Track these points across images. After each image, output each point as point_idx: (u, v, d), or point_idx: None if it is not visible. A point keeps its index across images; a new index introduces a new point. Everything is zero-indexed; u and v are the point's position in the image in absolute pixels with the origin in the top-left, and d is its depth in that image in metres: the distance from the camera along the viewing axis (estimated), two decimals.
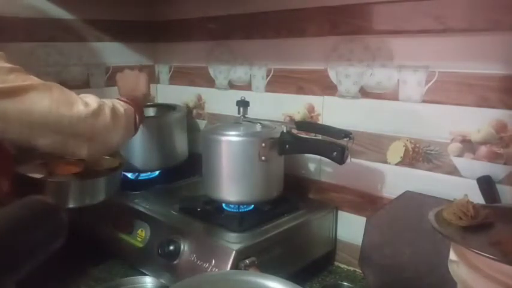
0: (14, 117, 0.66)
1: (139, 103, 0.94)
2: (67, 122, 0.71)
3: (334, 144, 0.85)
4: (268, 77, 1.17)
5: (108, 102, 0.80)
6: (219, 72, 1.30)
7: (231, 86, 1.28)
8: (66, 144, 0.74)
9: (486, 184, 0.79)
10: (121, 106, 0.84)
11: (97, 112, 0.75)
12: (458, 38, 0.83)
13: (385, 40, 0.92)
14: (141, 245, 0.97)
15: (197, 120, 1.41)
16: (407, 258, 0.85)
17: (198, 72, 1.37)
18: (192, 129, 1.35)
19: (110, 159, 1.00)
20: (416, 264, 0.83)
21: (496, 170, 0.81)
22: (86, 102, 0.75)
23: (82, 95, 0.78)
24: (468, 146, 0.84)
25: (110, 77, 1.39)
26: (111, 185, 0.95)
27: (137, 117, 0.89)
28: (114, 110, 0.80)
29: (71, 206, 0.88)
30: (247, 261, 0.81)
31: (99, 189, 0.93)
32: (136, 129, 0.91)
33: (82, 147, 0.76)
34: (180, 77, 1.45)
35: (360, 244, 0.94)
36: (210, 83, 1.34)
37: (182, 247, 0.88)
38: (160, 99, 1.53)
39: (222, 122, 1.23)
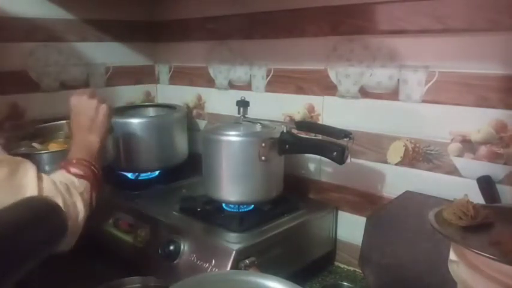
0: None
1: (96, 158, 0.79)
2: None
3: (334, 144, 0.85)
4: (268, 77, 1.17)
5: (63, 196, 0.68)
6: (219, 72, 1.30)
7: (231, 86, 1.28)
8: None
9: (486, 184, 0.79)
10: (80, 199, 0.71)
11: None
12: (458, 38, 0.83)
13: (385, 40, 0.92)
14: (141, 245, 0.97)
15: (197, 120, 1.41)
16: (407, 258, 0.85)
17: (198, 72, 1.37)
18: (192, 129, 1.35)
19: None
20: (416, 264, 0.82)
21: (496, 170, 0.81)
22: (40, 190, 0.65)
23: (46, 176, 0.68)
24: (468, 146, 0.84)
25: (110, 77, 1.39)
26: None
27: (93, 194, 0.76)
28: (70, 206, 0.69)
29: None
30: (247, 261, 0.81)
31: None
32: (91, 208, 0.78)
33: None
34: (180, 77, 1.45)
35: (360, 244, 0.94)
36: (210, 83, 1.34)
37: (182, 247, 0.88)
38: (160, 99, 1.53)
39: (222, 122, 1.23)
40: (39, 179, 0.67)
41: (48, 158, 0.90)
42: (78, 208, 0.71)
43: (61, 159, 0.79)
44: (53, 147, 0.98)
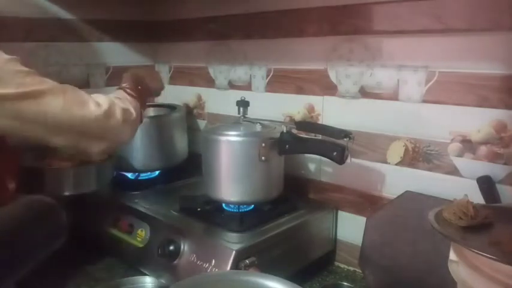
0: (29, 117, 0.69)
1: (145, 95, 0.96)
2: (79, 122, 0.74)
3: (334, 144, 0.85)
4: (268, 77, 1.17)
5: (118, 102, 0.82)
6: (219, 72, 1.30)
7: (231, 86, 1.28)
8: (78, 142, 0.77)
9: (486, 184, 0.79)
10: (131, 105, 0.85)
11: (108, 113, 0.77)
12: (459, 38, 0.83)
13: (385, 40, 0.92)
14: (141, 245, 0.97)
15: (197, 120, 1.41)
16: (407, 258, 0.85)
17: (198, 72, 1.37)
18: (192, 129, 1.35)
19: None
20: (416, 264, 0.83)
21: (496, 170, 0.81)
22: (98, 103, 0.77)
23: (94, 95, 0.80)
24: (468, 146, 0.84)
25: (110, 77, 1.39)
26: (103, 174, 0.98)
27: (142, 112, 0.91)
28: (125, 112, 0.81)
29: (66, 193, 0.92)
30: (247, 261, 0.81)
31: (92, 177, 0.97)
32: (141, 122, 0.92)
33: (93, 145, 0.79)
34: (180, 77, 1.45)
35: (360, 244, 0.94)
36: (210, 83, 1.34)
37: (182, 247, 0.88)
38: (161, 99, 1.53)
39: (222, 122, 1.24)
40: (95, 95, 0.80)
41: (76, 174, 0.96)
42: (132, 111, 0.83)
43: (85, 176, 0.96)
44: (57, 163, 0.98)
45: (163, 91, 1.06)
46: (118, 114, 0.79)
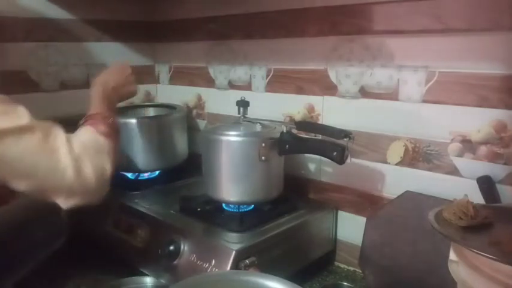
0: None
1: (116, 126, 0.83)
2: (42, 171, 0.66)
3: (334, 144, 0.85)
4: (268, 77, 1.17)
5: (90, 156, 0.71)
6: (219, 72, 1.30)
7: (231, 86, 1.28)
8: (43, 192, 0.69)
9: (486, 184, 0.79)
10: (106, 154, 0.75)
11: (78, 172, 0.68)
12: (459, 38, 0.83)
13: (385, 40, 0.92)
14: (141, 245, 0.97)
15: (197, 120, 1.41)
16: (407, 258, 0.85)
17: (198, 72, 1.37)
18: (192, 129, 1.35)
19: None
20: (416, 264, 0.82)
21: (496, 170, 0.81)
22: (71, 152, 0.68)
23: (74, 137, 0.71)
24: (468, 146, 0.84)
25: None
26: None
27: (116, 151, 0.80)
28: (97, 169, 0.72)
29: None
30: (247, 261, 0.81)
31: None
32: (118, 162, 0.81)
33: (60, 200, 0.70)
34: (180, 77, 1.45)
35: (360, 244, 0.94)
36: (210, 83, 1.34)
37: (182, 247, 0.88)
38: (160, 99, 1.53)
39: (222, 122, 1.24)
40: (69, 141, 0.70)
41: None
42: (106, 167, 0.74)
43: None
44: None
45: (136, 95, 0.99)
46: (90, 173, 0.70)
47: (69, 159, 0.68)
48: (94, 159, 0.72)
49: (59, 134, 0.70)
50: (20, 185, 0.67)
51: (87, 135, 0.76)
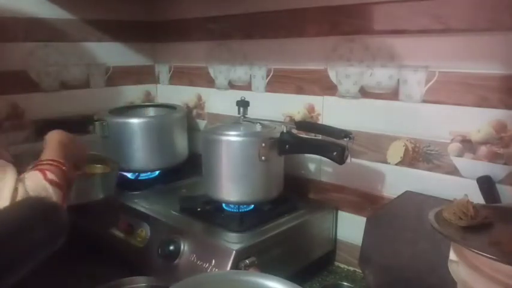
0: None
1: (68, 178, 0.76)
2: None
3: (334, 144, 0.85)
4: (268, 77, 1.17)
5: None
6: (219, 72, 1.30)
7: (231, 86, 1.28)
8: None
9: (486, 184, 0.79)
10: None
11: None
12: (458, 38, 0.83)
13: (385, 40, 0.92)
14: (141, 245, 0.97)
15: (197, 120, 1.41)
16: (407, 258, 0.85)
17: (198, 72, 1.37)
18: (192, 129, 1.35)
19: (103, 167, 1.02)
20: (416, 264, 0.82)
21: (496, 170, 0.81)
22: (12, 197, 0.65)
23: (20, 182, 0.67)
24: (468, 146, 0.84)
25: (110, 77, 1.39)
26: (106, 185, 0.96)
27: (65, 202, 0.75)
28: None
29: (68, 203, 0.89)
30: (247, 261, 0.81)
31: (96, 187, 0.95)
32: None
33: None
34: (180, 77, 1.45)
35: (360, 244, 0.94)
36: (210, 83, 1.34)
37: (182, 247, 0.88)
38: (160, 99, 1.53)
39: (222, 122, 1.24)
40: (15, 189, 0.67)
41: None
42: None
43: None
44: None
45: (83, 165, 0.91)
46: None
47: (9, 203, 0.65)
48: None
49: (9, 179, 0.66)
50: None
51: (35, 181, 0.70)
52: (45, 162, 0.73)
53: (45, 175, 0.70)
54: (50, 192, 0.70)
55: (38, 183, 0.70)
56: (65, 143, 0.79)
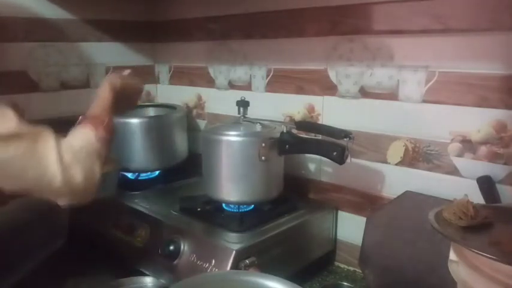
0: None
1: (112, 130, 0.80)
2: (30, 177, 0.65)
3: (334, 144, 0.85)
4: (268, 77, 1.17)
5: (83, 159, 0.71)
6: (219, 72, 1.30)
7: (231, 86, 1.28)
8: (31, 193, 0.69)
9: (486, 184, 0.79)
10: (96, 158, 0.73)
11: (67, 178, 0.67)
12: (459, 38, 0.83)
13: (385, 40, 0.92)
14: (141, 245, 0.97)
15: (197, 120, 1.41)
16: (407, 258, 0.85)
17: (198, 72, 1.37)
18: (192, 129, 1.35)
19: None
20: (416, 264, 0.82)
21: (496, 170, 0.81)
22: (60, 159, 0.67)
23: (66, 142, 0.70)
24: (468, 146, 0.84)
25: None
26: (107, 183, 0.96)
27: (108, 154, 0.78)
28: (87, 173, 0.70)
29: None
30: (247, 261, 0.81)
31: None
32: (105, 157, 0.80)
33: (53, 198, 0.70)
34: (180, 77, 1.45)
35: (360, 244, 0.94)
36: (210, 83, 1.34)
37: (182, 247, 0.88)
38: (160, 99, 1.53)
39: (222, 122, 1.24)
40: (59, 147, 0.69)
41: None
42: (95, 171, 0.73)
43: None
44: None
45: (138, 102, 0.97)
46: (79, 178, 0.69)
47: (58, 167, 0.66)
48: (84, 163, 0.70)
49: (49, 140, 0.68)
50: (7, 187, 0.66)
51: (81, 137, 0.74)
52: (91, 118, 0.77)
53: (92, 130, 0.74)
54: (95, 147, 0.73)
55: (83, 138, 0.74)
56: (115, 90, 0.82)
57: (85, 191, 0.71)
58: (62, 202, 0.70)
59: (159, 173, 1.24)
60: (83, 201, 0.72)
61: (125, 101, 0.86)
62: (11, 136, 0.65)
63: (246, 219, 0.93)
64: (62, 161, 0.67)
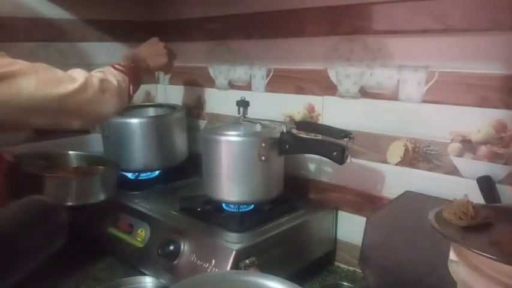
0: (2, 100, 0.69)
1: (140, 71, 0.96)
2: (55, 100, 0.74)
3: (334, 144, 0.85)
4: (268, 77, 1.17)
5: (97, 74, 0.82)
6: (219, 72, 1.30)
7: (231, 86, 1.28)
8: (57, 120, 0.77)
9: (486, 184, 0.79)
10: (113, 76, 0.85)
11: (83, 87, 0.77)
12: (459, 38, 0.83)
13: (385, 40, 0.92)
14: (141, 245, 0.97)
15: (197, 120, 1.41)
16: (407, 258, 0.85)
17: (198, 72, 1.37)
18: (192, 129, 1.35)
19: (103, 168, 1.03)
20: (416, 264, 0.83)
21: (496, 170, 0.81)
22: (73, 78, 0.77)
23: (71, 71, 0.80)
24: (468, 146, 0.84)
25: None
26: (106, 185, 0.97)
27: (131, 87, 0.90)
28: (103, 82, 0.81)
29: (69, 203, 0.90)
30: (247, 261, 0.81)
31: (96, 188, 0.95)
32: (130, 99, 0.92)
33: (73, 121, 0.79)
34: (180, 77, 1.45)
35: (360, 244, 0.94)
36: (210, 83, 1.34)
37: (182, 247, 0.88)
38: (160, 99, 1.53)
39: (222, 122, 1.24)
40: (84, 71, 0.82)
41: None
42: (113, 80, 0.85)
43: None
44: (68, 174, 0.99)
45: (172, 67, 1.11)
46: (95, 84, 0.79)
47: (74, 83, 0.76)
48: (99, 75, 0.82)
49: (58, 70, 0.79)
50: (37, 120, 0.75)
51: (106, 68, 0.88)
52: (115, 64, 0.91)
53: (113, 66, 0.90)
54: (116, 74, 0.87)
55: (106, 69, 0.88)
56: (138, 61, 0.98)
57: (102, 97, 0.81)
58: (83, 121, 0.81)
59: (159, 173, 1.24)
60: (104, 115, 0.84)
61: (149, 64, 1.01)
62: (27, 68, 0.74)
63: (246, 219, 0.93)
64: (74, 75, 0.79)
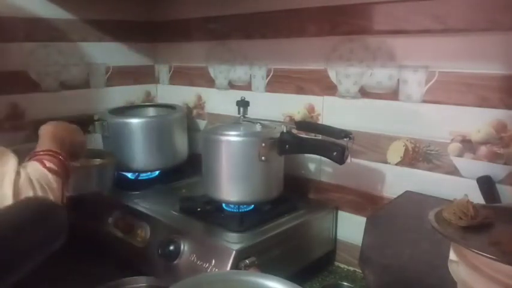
0: None
1: (66, 167, 0.77)
2: None
3: (334, 144, 0.85)
4: (268, 77, 1.17)
5: (36, 193, 0.69)
6: (219, 72, 1.30)
7: (231, 86, 1.28)
8: None
9: (486, 184, 0.79)
10: (46, 185, 0.71)
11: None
12: (458, 38, 0.83)
13: (385, 40, 0.92)
14: (141, 245, 0.97)
15: (197, 120, 1.41)
16: (408, 258, 0.85)
17: (198, 72, 1.37)
18: (192, 129, 1.35)
19: (100, 161, 1.03)
20: (417, 264, 0.82)
21: (496, 170, 0.81)
22: (15, 181, 0.66)
23: (23, 169, 0.68)
24: (468, 146, 0.84)
25: (110, 77, 1.39)
26: (103, 178, 0.98)
27: (64, 191, 0.75)
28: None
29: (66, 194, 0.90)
30: (247, 261, 0.81)
31: (92, 179, 0.96)
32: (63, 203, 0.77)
33: None
34: (180, 77, 1.45)
35: (360, 244, 0.94)
36: (210, 83, 1.34)
37: (182, 247, 0.88)
38: (160, 99, 1.53)
39: (222, 122, 1.24)
40: (17, 173, 0.68)
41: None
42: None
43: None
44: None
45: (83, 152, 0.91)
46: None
47: (12, 189, 0.66)
48: (39, 193, 0.69)
49: (10, 162, 0.67)
50: None
51: (35, 169, 0.71)
52: (41, 153, 0.74)
53: (43, 164, 0.71)
54: (50, 179, 0.71)
55: (37, 170, 0.70)
56: (60, 134, 0.80)
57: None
58: None
59: (159, 173, 1.24)
60: None
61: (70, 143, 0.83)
62: None
63: (246, 219, 0.92)
64: (17, 185, 0.66)
